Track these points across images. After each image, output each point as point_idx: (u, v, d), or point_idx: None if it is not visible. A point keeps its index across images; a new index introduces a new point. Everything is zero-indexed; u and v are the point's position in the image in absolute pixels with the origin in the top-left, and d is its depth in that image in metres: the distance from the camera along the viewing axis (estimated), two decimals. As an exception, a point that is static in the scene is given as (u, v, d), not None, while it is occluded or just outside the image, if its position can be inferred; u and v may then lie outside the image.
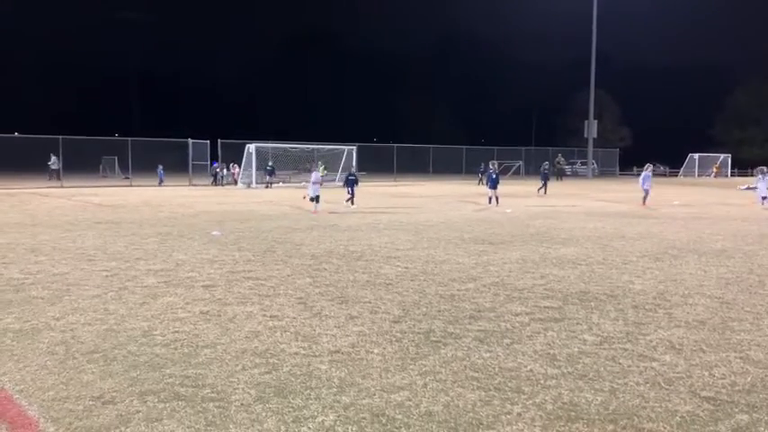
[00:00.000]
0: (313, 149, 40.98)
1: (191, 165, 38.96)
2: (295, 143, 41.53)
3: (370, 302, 7.13)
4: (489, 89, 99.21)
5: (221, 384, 4.58)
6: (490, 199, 22.62)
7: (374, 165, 49.34)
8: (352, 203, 21.17)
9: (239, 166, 37.91)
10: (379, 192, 32.96)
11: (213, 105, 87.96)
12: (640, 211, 20.48)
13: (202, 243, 11.95)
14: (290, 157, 40.51)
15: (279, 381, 4.65)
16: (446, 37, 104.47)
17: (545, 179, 31.83)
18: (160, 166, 38.51)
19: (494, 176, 22.74)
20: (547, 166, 33.82)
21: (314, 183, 19.67)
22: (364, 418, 4.00)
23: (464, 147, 58.17)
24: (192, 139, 39.32)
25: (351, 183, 22.11)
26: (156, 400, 4.30)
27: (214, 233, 13.40)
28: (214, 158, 40.33)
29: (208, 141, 40.41)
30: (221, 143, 39.74)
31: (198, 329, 6.00)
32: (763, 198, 22.33)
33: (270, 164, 37.12)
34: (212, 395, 4.38)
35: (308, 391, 4.44)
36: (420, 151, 52.76)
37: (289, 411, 4.10)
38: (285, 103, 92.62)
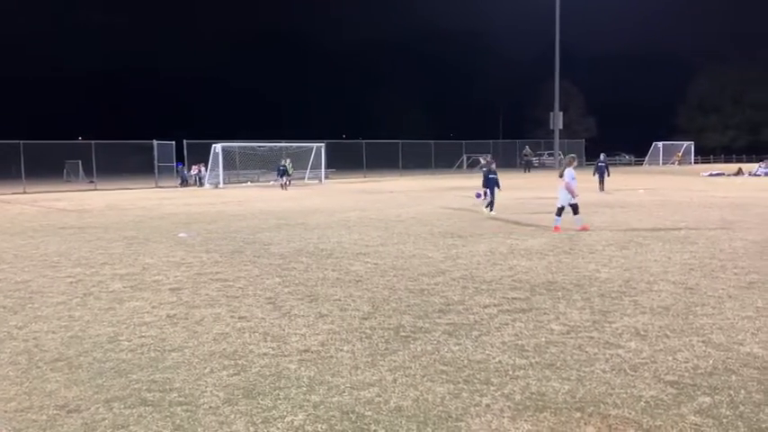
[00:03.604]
0: (281, 147, 40.72)
1: (156, 166, 38.44)
2: (263, 142, 41.24)
3: (339, 300, 7.12)
4: (457, 83, 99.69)
5: (189, 388, 4.53)
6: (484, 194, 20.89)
7: (343, 161, 49.26)
8: (491, 209, 16.91)
9: (205, 167, 37.52)
10: (348, 188, 32.91)
11: (178, 106, 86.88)
12: (606, 199, 20.77)
13: (169, 246, 11.80)
14: (258, 156, 40.19)
15: (247, 382, 4.62)
16: (413, 31, 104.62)
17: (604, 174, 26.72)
18: (180, 164, 37.54)
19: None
20: (602, 159, 27.86)
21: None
22: (334, 417, 3.99)
23: (433, 141, 58.36)
24: (157, 140, 38.78)
25: (492, 182, 17.00)
26: (123, 406, 4.24)
27: (181, 235, 13.25)
28: (179, 160, 39.84)
29: (173, 142, 39.91)
30: (187, 144, 39.28)
31: (165, 333, 5.92)
32: None
33: (282, 163, 34.27)
34: (180, 399, 4.33)
35: (278, 392, 4.42)
36: (389, 147, 52.77)
37: (258, 412, 4.08)
38: (252, 101, 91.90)
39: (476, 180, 40.62)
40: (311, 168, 41.59)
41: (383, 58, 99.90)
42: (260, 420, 3.96)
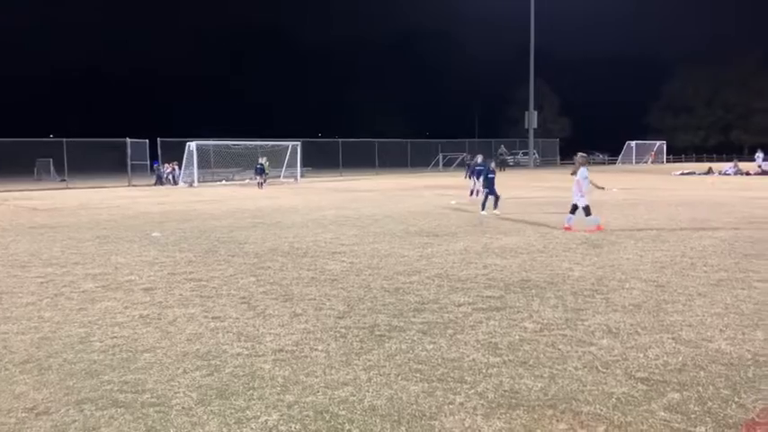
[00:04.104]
0: (256, 146, 40.48)
1: (129, 165, 37.98)
2: (237, 140, 40.97)
3: (314, 299, 7.10)
4: (433, 82, 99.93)
5: (161, 389, 4.49)
6: (474, 192, 20.87)
7: (320, 160, 49.16)
8: (495, 206, 16.48)
9: (178, 166, 37.18)
10: (324, 187, 32.85)
11: (152, 104, 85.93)
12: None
13: (142, 245, 11.67)
14: (233, 155, 39.92)
15: (221, 382, 4.59)
16: (390, 30, 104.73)
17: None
18: (156, 162, 36.95)
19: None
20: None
21: None
22: (308, 416, 3.99)
23: (409, 140, 58.48)
24: (131, 138, 38.31)
25: (491, 182, 16.61)
26: (94, 408, 4.18)
27: (154, 234, 13.11)
28: (154, 158, 39.43)
29: (147, 140, 39.47)
30: (161, 142, 38.88)
31: (137, 334, 5.86)
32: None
33: (260, 162, 33.71)
34: (152, 400, 4.29)
35: (251, 392, 4.39)
36: (365, 145, 52.79)
37: (231, 413, 4.05)
38: (227, 99, 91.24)
39: (452, 179, 40.79)
40: (287, 167, 41.42)
41: (359, 57, 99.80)
42: (233, 421, 3.94)
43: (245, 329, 5.91)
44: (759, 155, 42.46)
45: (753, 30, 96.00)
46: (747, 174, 39.31)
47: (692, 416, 3.91)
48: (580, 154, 13.37)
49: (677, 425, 3.79)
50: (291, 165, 41.48)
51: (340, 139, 50.39)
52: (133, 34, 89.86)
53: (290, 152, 41.38)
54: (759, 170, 40.20)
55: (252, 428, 3.83)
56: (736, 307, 6.48)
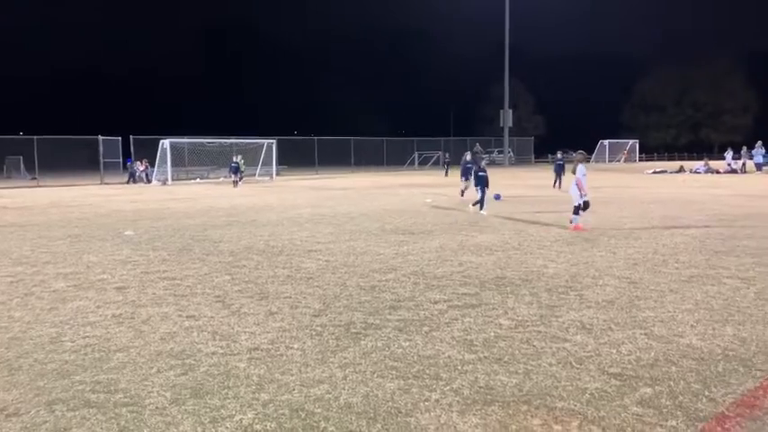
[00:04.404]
0: (231, 144, 40.19)
1: (102, 163, 37.47)
2: (212, 138, 40.63)
3: (290, 297, 7.07)
4: (409, 81, 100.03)
5: (135, 388, 4.44)
6: (464, 191, 20.54)
7: (295, 158, 48.97)
8: (477, 205, 16.27)
9: (149, 164, 36.78)
10: (300, 185, 32.72)
11: (125, 101, 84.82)
12: (560, 197, 21.17)
13: (115, 244, 11.52)
14: (208, 153, 39.58)
15: (195, 382, 4.55)
16: (366, 29, 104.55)
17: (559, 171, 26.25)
18: (129, 160, 36.30)
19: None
20: (560, 157, 27.27)
21: None
22: (284, 414, 3.97)
23: (384, 138, 58.51)
24: (103, 135, 37.78)
25: (482, 180, 16.28)
26: (65, 408, 4.12)
27: (127, 233, 12.95)
28: (128, 155, 38.95)
29: (119, 138, 38.96)
30: (134, 139, 38.41)
31: (110, 333, 5.78)
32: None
33: (235, 160, 33.21)
34: (125, 400, 4.24)
35: (226, 391, 4.36)
36: (341, 143, 52.68)
37: (206, 412, 4.02)
38: (201, 96, 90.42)
39: (428, 177, 40.91)
40: (262, 165, 41.19)
41: (335, 55, 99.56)
42: (208, 420, 3.90)
43: (220, 328, 5.87)
44: (728, 153, 43.21)
45: (723, 31, 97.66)
46: (717, 172, 39.99)
47: (664, 410, 3.96)
48: (579, 152, 13.35)
49: (649, 419, 3.84)
50: (267, 163, 41.27)
51: (316, 137, 50.24)
52: (111, 33, 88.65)
53: (266, 150, 41.16)
54: (728, 168, 40.91)
55: (227, 427, 3.81)
56: (707, 303, 6.59)
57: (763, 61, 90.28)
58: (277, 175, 41.64)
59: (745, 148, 43.99)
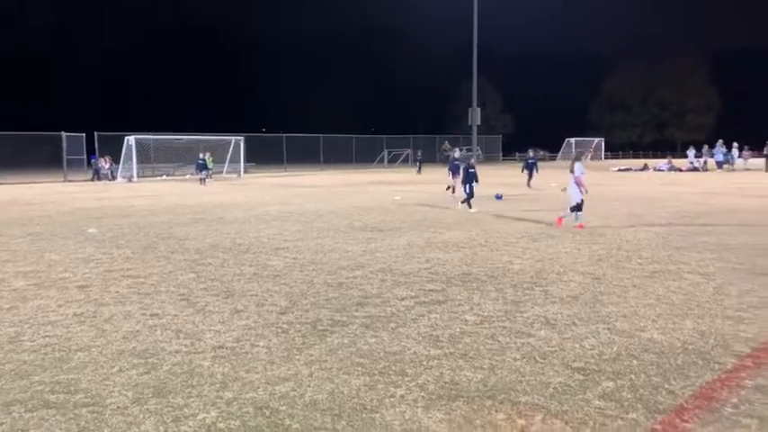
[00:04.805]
0: (198, 140, 39.70)
1: (65, 159, 36.72)
2: (179, 134, 40.10)
3: (256, 295, 7.01)
4: (378, 78, 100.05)
5: (96, 388, 4.36)
6: (451, 188, 20.27)
7: (263, 155, 48.59)
8: (466, 203, 16.14)
9: (112, 160, 36.17)
10: (268, 182, 32.51)
11: (89, 97, 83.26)
12: (529, 194, 21.37)
13: (78, 242, 11.31)
14: (174, 149, 39.06)
15: (158, 381, 4.48)
16: (335, 26, 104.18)
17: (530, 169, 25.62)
18: (94, 157, 35.31)
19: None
20: (531, 155, 26.93)
21: None
22: (248, 412, 3.93)
23: (354, 136, 58.42)
24: (66, 132, 37.02)
25: (471, 177, 16.15)
26: (23, 409, 4.02)
27: (90, 231, 12.72)
28: (92, 152, 38.25)
29: (83, 134, 38.24)
30: (98, 136, 37.73)
31: (71, 332, 5.67)
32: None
33: (202, 157, 32.44)
34: (86, 400, 4.16)
35: (190, 389, 4.31)
36: (310, 141, 52.43)
37: (168, 411, 3.96)
38: (168, 92, 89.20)
39: (397, 174, 40.95)
40: (230, 162, 40.80)
41: (304, 51, 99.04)
42: (170, 419, 3.85)
43: (185, 326, 5.80)
44: (691, 152, 44.11)
45: (687, 31, 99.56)
46: (680, 170, 40.78)
47: (625, 403, 4.03)
48: (578, 150, 13.38)
49: (611, 412, 3.90)
50: (234, 160, 40.89)
51: (284, 134, 49.95)
52: (74, 24, 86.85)
53: (233, 147, 40.78)
54: (691, 166, 41.76)
55: (190, 426, 3.76)
56: (668, 298, 6.72)
57: (726, 61, 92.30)
58: (245, 172, 41.30)
59: (706, 147, 44.99)
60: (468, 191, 16.01)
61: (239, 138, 40.90)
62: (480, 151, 69.11)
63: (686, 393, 4.16)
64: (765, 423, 3.71)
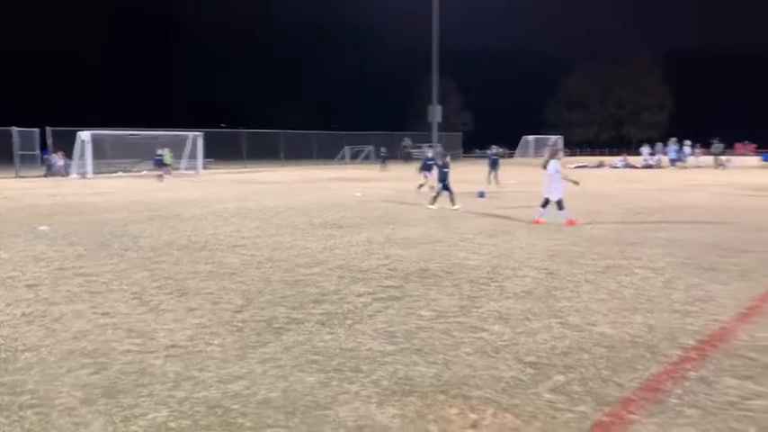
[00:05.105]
0: (156, 136, 39.01)
1: (17, 155, 35.70)
2: (136, 130, 39.35)
3: (212, 293, 6.94)
4: (340, 75, 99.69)
5: (43, 389, 4.26)
6: (422, 185, 20.04)
7: (223, 151, 47.98)
8: (454, 203, 15.67)
9: (66, 156, 35.33)
10: (227, 179, 32.16)
11: (41, 91, 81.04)
12: (490, 190, 21.55)
13: (28, 239, 11.02)
14: (130, 145, 38.31)
15: (108, 380, 4.40)
16: (296, 22, 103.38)
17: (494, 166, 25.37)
18: (46, 153, 34.03)
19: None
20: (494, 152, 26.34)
21: None
22: (199, 411, 3.89)
23: (315, 132, 58.17)
24: (18, 126, 35.99)
25: (445, 176, 16.05)
26: (-35, 413, 3.91)
27: (42, 228, 12.40)
28: (45, 147, 37.28)
29: (36, 129, 37.23)
30: (51, 131, 36.78)
31: (18, 333, 5.52)
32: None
33: (159, 153, 32.28)
34: (32, 401, 4.06)
35: (140, 389, 4.24)
36: (270, 137, 52.02)
37: (117, 411, 3.90)
38: (124, 86, 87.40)
39: (358, 171, 40.92)
40: (188, 158, 40.22)
41: (264, 46, 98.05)
42: (119, 419, 3.79)
43: (137, 325, 5.70)
44: (645, 149, 45.11)
45: (643, 31, 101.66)
46: (634, 167, 41.66)
47: (575, 396, 4.11)
48: (552, 147, 13.39)
49: (560, 405, 3.97)
50: (193, 156, 40.31)
51: (244, 130, 49.46)
52: (18, 15, 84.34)
53: (192, 143, 40.20)
54: (645, 164, 42.70)
55: (139, 426, 3.70)
56: (619, 292, 6.87)
57: (678, 61, 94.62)
58: (204, 168, 40.75)
59: (660, 145, 46.09)
60: (443, 189, 15.81)
61: (198, 133, 40.34)
62: (441, 148, 69.51)
63: (633, 386, 4.27)
64: (708, 413, 3.83)
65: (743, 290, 6.94)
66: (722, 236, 10.88)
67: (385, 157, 43.64)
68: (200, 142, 40.18)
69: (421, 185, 20.46)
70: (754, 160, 46.49)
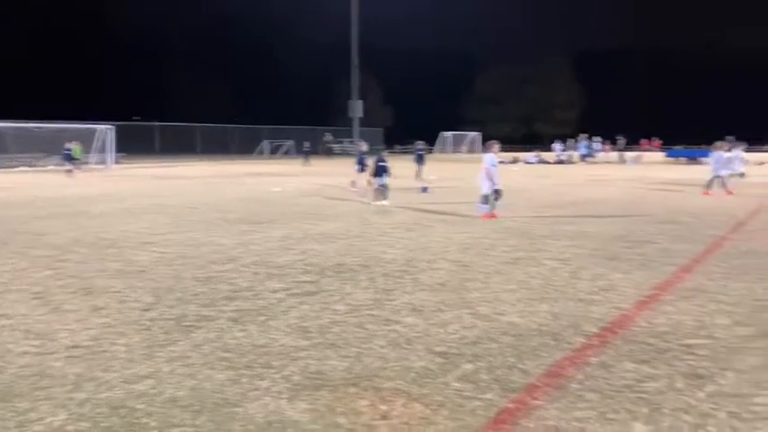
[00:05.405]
0: (63, 129, 37.22)
1: None
2: (41, 122, 37.44)
3: (119, 292, 6.70)
4: (259, 67, 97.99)
5: (-71, 397, 4.00)
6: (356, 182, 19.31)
7: (135, 145, 46.43)
8: (384, 197, 15.63)
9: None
10: (140, 174, 31.11)
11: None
12: (409, 185, 21.74)
13: None
14: (35, 139, 36.42)
15: (3, 384, 4.17)
16: (218, 14, 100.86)
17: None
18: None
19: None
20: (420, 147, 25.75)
21: None
22: (101, 413, 3.75)
23: (233, 126, 57.12)
24: None
25: (382, 170, 15.79)
26: None
27: (-66, 226, 11.63)
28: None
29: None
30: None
31: None
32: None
33: (67, 146, 30.60)
34: None
35: (38, 392, 4.05)
36: (186, 130, 50.72)
37: (12, 416, 3.70)
38: (29, 75, 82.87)
39: (277, 166, 40.45)
40: (98, 152, 38.63)
41: (181, 36, 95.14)
42: (14, 425, 3.60)
43: (36, 326, 5.43)
44: (557, 145, 46.76)
45: (554, 31, 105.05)
46: (547, 162, 43.11)
47: (482, 384, 4.21)
48: (490, 141, 13.40)
49: (468, 393, 4.06)
50: (103, 150, 38.73)
51: (158, 123, 47.97)
52: None
53: (102, 136, 38.61)
54: (557, 159, 44.26)
55: (34, 431, 3.53)
56: (527, 283, 7.10)
57: (587, 60, 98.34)
58: (115, 163, 39.25)
59: (571, 141, 47.88)
60: (381, 184, 15.65)
61: (109, 126, 38.80)
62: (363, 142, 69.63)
63: (538, 372, 4.42)
64: (606, 396, 4.01)
65: (643, 279, 7.30)
66: (627, 228, 11.41)
67: (308, 152, 43.33)
68: (110, 135, 38.66)
69: (354, 182, 19.96)
70: (660, 156, 48.95)
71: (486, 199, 12.83)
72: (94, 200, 16.96)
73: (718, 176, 18.23)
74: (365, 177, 17.01)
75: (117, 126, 39.94)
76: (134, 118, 59.46)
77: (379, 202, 15.38)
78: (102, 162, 38.16)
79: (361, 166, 19.49)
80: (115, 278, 7.35)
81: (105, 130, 38.61)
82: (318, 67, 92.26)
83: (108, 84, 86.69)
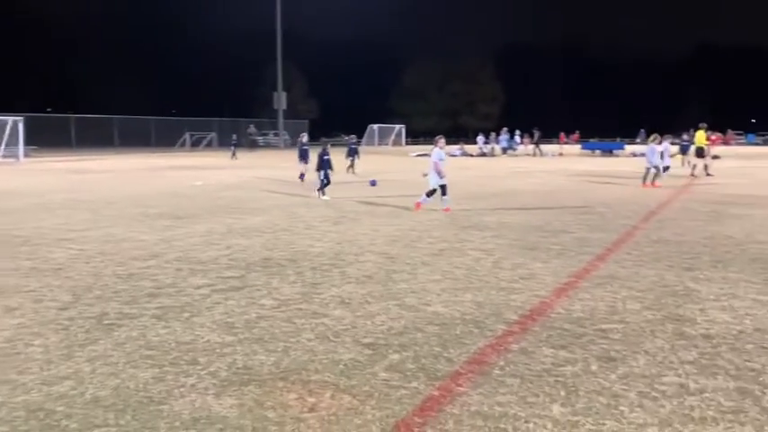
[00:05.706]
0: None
1: None
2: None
3: (33, 291, 6.44)
4: (181, 57, 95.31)
5: None
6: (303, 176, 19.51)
7: (48, 138, 44.32)
8: (323, 193, 15.41)
9: None
10: (54, 168, 29.77)
11: None
12: (342, 179, 21.70)
13: None
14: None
15: None
16: (135, 2, 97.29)
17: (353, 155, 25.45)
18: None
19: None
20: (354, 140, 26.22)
21: None
22: (18, 417, 3.62)
23: (153, 117, 55.44)
24: None
25: (326, 164, 15.59)
26: None
27: None
28: None
29: None
30: None
31: None
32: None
33: None
34: None
35: (-52, 399, 3.87)
36: (103, 122, 48.84)
37: None
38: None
39: (200, 159, 39.61)
40: (6, 146, 36.67)
41: (96, 24, 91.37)
42: None
43: (-57, 330, 5.17)
44: (480, 138, 47.68)
45: (477, 27, 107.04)
46: (471, 155, 43.91)
47: (408, 373, 4.31)
48: (438, 136, 13.38)
49: (395, 383, 4.14)
50: (12, 143, 36.80)
51: (73, 115, 45.99)
52: None
53: (11, 128, 36.67)
54: (480, 152, 45.16)
55: (-55, 440, 3.39)
56: (452, 273, 7.26)
57: (508, 56, 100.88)
58: (26, 156, 37.39)
59: (493, 134, 48.98)
60: (323, 177, 15.44)
61: (18, 118, 36.89)
62: (287, 135, 68.99)
63: (462, 360, 4.55)
64: (526, 381, 4.18)
65: (561, 267, 7.60)
66: (545, 218, 11.81)
67: (236, 145, 42.46)
68: (20, 127, 36.77)
69: (302, 175, 19.70)
70: (576, 148, 50.68)
71: (432, 193, 12.94)
72: (4, 195, 16.16)
73: (654, 168, 18.89)
74: (310, 169, 16.70)
75: (27, 117, 38.02)
76: (47, 110, 56.82)
77: (323, 197, 15.18)
78: (13, 156, 36.29)
79: (305, 159, 19.33)
80: (29, 277, 7.06)
81: (15, 122, 36.68)
82: (240, 57, 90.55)
83: (13, 73, 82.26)
